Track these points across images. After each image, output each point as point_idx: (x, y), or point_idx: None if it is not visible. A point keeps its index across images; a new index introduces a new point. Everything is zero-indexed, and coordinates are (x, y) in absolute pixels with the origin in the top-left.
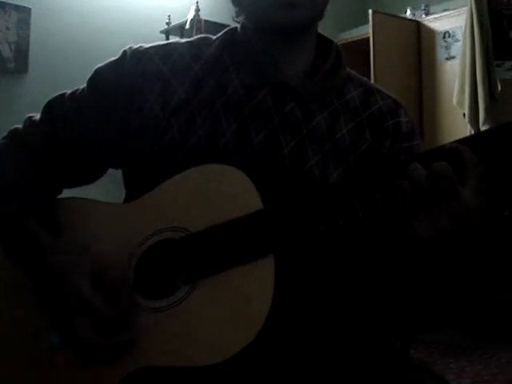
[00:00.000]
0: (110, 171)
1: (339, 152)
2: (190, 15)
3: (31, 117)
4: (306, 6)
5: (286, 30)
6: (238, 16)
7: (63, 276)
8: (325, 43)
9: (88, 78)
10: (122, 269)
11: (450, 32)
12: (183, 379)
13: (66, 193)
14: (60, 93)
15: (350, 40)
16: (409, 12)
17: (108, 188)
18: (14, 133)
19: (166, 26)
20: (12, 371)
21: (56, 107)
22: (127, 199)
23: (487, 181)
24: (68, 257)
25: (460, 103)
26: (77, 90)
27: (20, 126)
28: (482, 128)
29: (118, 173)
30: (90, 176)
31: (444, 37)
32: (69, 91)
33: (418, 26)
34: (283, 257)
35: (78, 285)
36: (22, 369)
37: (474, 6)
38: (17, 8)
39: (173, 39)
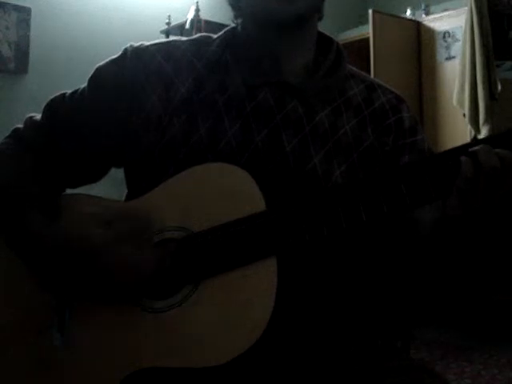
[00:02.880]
0: (111, 172)
1: (342, 149)
2: (190, 15)
3: (32, 116)
4: None
5: (284, 23)
6: (236, 18)
7: (87, 239)
8: (326, 41)
9: (89, 76)
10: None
11: (450, 32)
12: (184, 380)
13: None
14: (61, 92)
15: (350, 40)
16: (409, 12)
17: (108, 189)
18: (15, 132)
19: (166, 26)
20: (14, 370)
21: (57, 107)
22: (129, 198)
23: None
24: (77, 224)
25: (460, 103)
26: (78, 89)
27: (21, 125)
28: (482, 128)
29: (118, 173)
30: (93, 175)
31: (444, 37)
32: (70, 90)
33: (418, 26)
34: (286, 258)
35: (92, 236)
36: (24, 367)
37: (473, 5)
38: (17, 8)
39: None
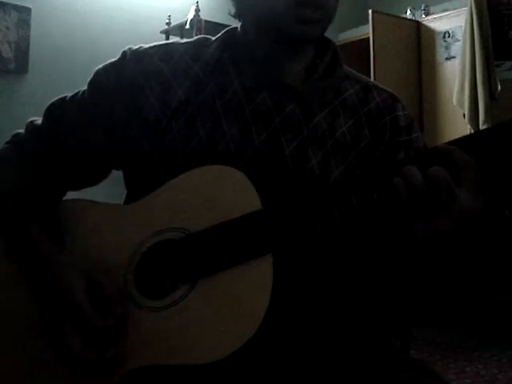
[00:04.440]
0: (114, 172)
1: (340, 150)
2: (190, 15)
3: (33, 121)
4: (322, 23)
5: (297, 42)
6: (237, 18)
7: (59, 284)
8: (323, 42)
9: (88, 80)
10: (117, 285)
11: (450, 32)
12: (181, 378)
13: (70, 195)
14: (61, 96)
15: (350, 40)
16: (409, 12)
17: (110, 189)
18: (16, 137)
19: (166, 26)
20: (12, 370)
21: (57, 110)
22: (128, 200)
23: (486, 181)
24: (64, 267)
25: (460, 103)
26: (78, 92)
27: (22, 130)
28: (482, 128)
29: (119, 174)
30: (94, 178)
31: (444, 37)
32: (70, 94)
33: (418, 26)
34: (281, 256)
35: (71, 294)
36: (23, 368)
37: (473, 5)
38: (17, 8)
39: (173, 39)
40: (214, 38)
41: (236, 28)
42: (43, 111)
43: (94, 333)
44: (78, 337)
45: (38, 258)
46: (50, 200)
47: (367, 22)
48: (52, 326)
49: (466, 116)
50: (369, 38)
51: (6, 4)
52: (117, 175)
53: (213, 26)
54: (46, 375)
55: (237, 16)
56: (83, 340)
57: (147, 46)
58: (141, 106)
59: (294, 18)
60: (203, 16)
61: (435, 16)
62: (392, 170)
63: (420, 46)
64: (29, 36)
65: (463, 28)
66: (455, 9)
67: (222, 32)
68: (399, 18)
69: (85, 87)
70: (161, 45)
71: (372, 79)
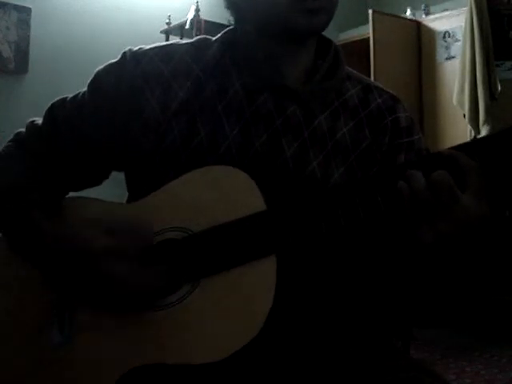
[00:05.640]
0: (114, 173)
1: (340, 151)
2: (190, 15)
3: (33, 121)
4: (327, 12)
5: (302, 35)
6: (237, 23)
7: (74, 241)
8: (323, 43)
9: (89, 81)
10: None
11: (450, 32)
12: (182, 378)
13: (70, 196)
14: (62, 97)
15: (350, 40)
16: (409, 12)
17: (111, 189)
18: (17, 136)
19: (166, 26)
20: (13, 369)
21: (58, 111)
22: (129, 202)
23: (489, 185)
24: (71, 230)
25: (460, 103)
26: (78, 93)
27: (23, 129)
28: (482, 128)
29: (120, 175)
30: (94, 178)
31: (444, 37)
32: (71, 95)
33: (418, 26)
34: (285, 256)
35: (94, 242)
36: (24, 367)
37: (473, 5)
38: (17, 8)
39: (173, 39)
40: (214, 39)
41: (236, 28)
42: (43, 111)
43: (133, 253)
44: (122, 262)
45: (42, 235)
46: (50, 196)
47: (367, 22)
48: (88, 278)
49: (466, 116)
50: (369, 37)
51: (6, 4)
52: (118, 176)
53: (213, 26)
54: (45, 372)
55: (236, 22)
56: (129, 265)
57: (147, 47)
58: (141, 107)
59: (296, 11)
60: (203, 16)
61: (435, 16)
62: (396, 173)
63: (420, 46)
64: (29, 36)
65: (463, 28)
66: (455, 9)
67: (223, 32)
68: (399, 17)
69: (85, 88)
70: (161, 46)
71: (372, 79)
